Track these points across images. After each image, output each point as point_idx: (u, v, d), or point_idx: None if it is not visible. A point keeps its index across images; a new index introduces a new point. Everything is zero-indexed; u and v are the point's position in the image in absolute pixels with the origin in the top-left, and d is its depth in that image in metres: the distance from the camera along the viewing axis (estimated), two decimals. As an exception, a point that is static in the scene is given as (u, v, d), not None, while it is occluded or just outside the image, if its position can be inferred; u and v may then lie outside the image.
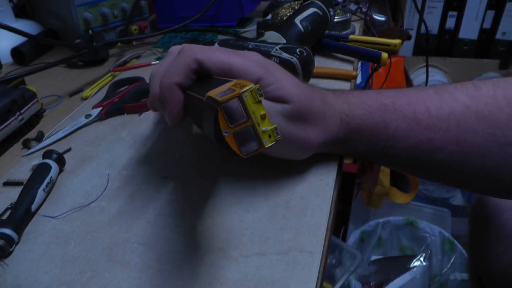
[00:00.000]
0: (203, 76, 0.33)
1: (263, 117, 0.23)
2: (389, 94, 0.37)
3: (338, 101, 0.37)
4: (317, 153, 0.38)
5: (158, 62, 0.67)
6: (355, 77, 0.58)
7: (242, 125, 0.23)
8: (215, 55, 0.32)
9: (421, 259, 1.19)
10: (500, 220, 0.59)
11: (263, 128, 0.23)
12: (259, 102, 0.23)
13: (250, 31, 0.81)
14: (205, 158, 0.42)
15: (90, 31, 0.71)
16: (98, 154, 0.45)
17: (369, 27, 0.86)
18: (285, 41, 0.54)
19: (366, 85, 0.99)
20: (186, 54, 0.32)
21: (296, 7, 0.72)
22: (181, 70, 0.32)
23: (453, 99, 0.35)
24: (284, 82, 0.33)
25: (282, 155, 0.37)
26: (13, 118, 0.47)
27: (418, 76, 1.76)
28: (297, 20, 0.56)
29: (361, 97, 0.37)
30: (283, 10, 0.73)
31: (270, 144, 0.24)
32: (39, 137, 0.48)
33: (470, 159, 0.34)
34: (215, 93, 0.24)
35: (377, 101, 0.36)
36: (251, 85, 0.23)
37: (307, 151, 0.37)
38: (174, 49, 0.35)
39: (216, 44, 0.52)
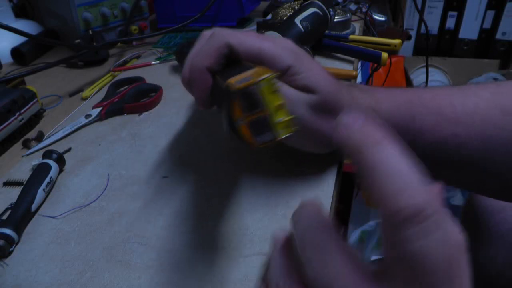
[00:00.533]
0: (233, 60, 0.32)
1: (279, 107, 0.23)
2: (414, 91, 0.37)
3: (363, 96, 0.37)
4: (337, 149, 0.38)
5: (158, 62, 0.67)
6: (355, 77, 0.58)
7: (257, 114, 0.23)
8: (247, 39, 0.32)
9: (421, 259, 1.19)
10: (490, 222, 0.59)
11: (279, 119, 0.23)
12: (276, 91, 0.23)
13: (250, 31, 0.81)
14: (205, 158, 0.42)
15: (90, 31, 0.71)
16: (98, 154, 0.45)
17: (369, 27, 0.86)
18: (285, 41, 0.54)
19: (366, 85, 0.99)
20: (216, 38, 0.32)
21: (296, 7, 0.72)
22: (211, 54, 0.31)
23: (477, 95, 0.35)
24: (314, 72, 0.33)
25: (302, 146, 0.37)
26: (13, 118, 0.47)
27: (418, 76, 1.76)
28: (297, 20, 0.56)
29: (386, 92, 0.37)
30: (283, 10, 0.73)
31: (284, 135, 0.23)
32: (39, 137, 0.48)
33: (496, 155, 0.34)
34: (235, 80, 0.24)
35: (402, 96, 0.36)
36: (268, 74, 0.23)
37: (327, 145, 0.36)
38: (206, 32, 0.35)
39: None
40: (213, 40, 0.32)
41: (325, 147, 0.37)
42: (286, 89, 0.32)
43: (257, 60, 0.32)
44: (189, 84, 0.34)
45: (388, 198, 0.15)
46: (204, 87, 0.32)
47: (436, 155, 0.36)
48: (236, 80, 0.23)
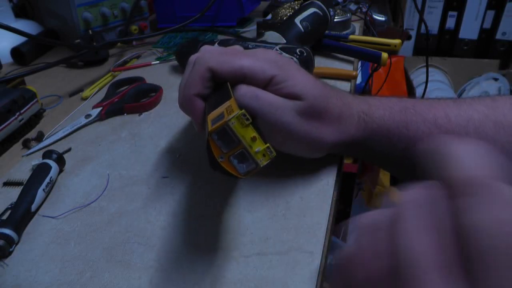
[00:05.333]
0: (220, 82, 0.33)
1: (253, 139, 0.25)
2: (409, 100, 0.37)
3: (357, 101, 0.37)
4: (331, 153, 0.38)
5: (158, 62, 0.67)
6: (355, 77, 0.58)
7: (234, 149, 0.25)
8: (227, 60, 0.33)
9: (421, 259, 1.19)
10: None
11: (256, 149, 0.25)
12: (247, 125, 0.24)
13: (250, 31, 0.81)
14: (205, 158, 0.42)
15: (90, 31, 0.71)
16: (98, 154, 0.45)
17: (369, 27, 0.86)
18: (285, 41, 0.54)
19: (366, 85, 0.99)
20: (199, 64, 0.33)
21: (296, 7, 0.72)
22: (197, 81, 0.33)
23: (471, 108, 0.35)
24: (299, 79, 0.34)
25: (293, 152, 0.37)
26: (13, 118, 0.47)
27: (418, 76, 1.76)
28: (297, 20, 0.56)
29: (381, 99, 0.37)
30: (283, 10, 0.73)
31: (265, 163, 0.25)
32: (39, 137, 0.48)
33: None
34: (212, 117, 0.26)
35: (397, 104, 0.36)
36: (236, 112, 0.24)
37: (319, 150, 0.37)
38: (192, 58, 0.36)
39: (216, 44, 0.52)
40: (196, 67, 0.33)
41: (316, 152, 0.37)
42: (273, 98, 0.33)
43: (241, 77, 0.33)
44: (184, 111, 0.35)
45: (449, 173, 0.16)
46: (197, 113, 0.33)
47: None
48: (212, 119, 0.26)
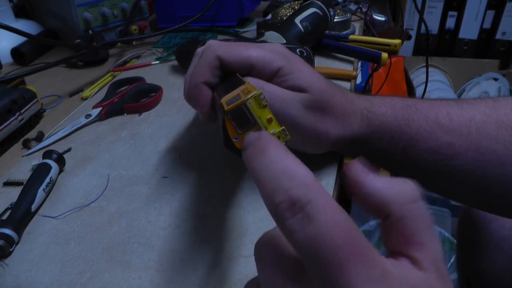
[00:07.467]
0: (228, 72, 0.33)
1: (269, 120, 0.24)
2: (411, 99, 0.38)
3: (360, 99, 0.37)
4: (333, 151, 0.38)
5: (158, 62, 0.67)
6: (355, 77, 0.58)
7: (250, 130, 0.25)
8: (235, 49, 0.33)
9: (421, 259, 1.19)
10: (488, 230, 0.59)
11: (271, 131, 0.24)
12: (265, 106, 0.24)
13: (250, 31, 0.81)
14: (205, 158, 0.42)
15: (90, 31, 0.71)
16: (98, 154, 0.45)
17: (369, 27, 0.86)
18: (285, 41, 0.54)
19: (366, 85, 0.99)
20: (207, 53, 0.33)
21: (296, 7, 0.72)
22: (205, 69, 0.33)
23: (473, 108, 0.35)
24: (305, 72, 0.34)
25: (297, 147, 0.37)
26: (13, 118, 0.47)
27: (418, 76, 1.76)
28: (297, 20, 0.56)
29: (383, 98, 0.38)
30: (283, 10, 0.73)
31: None
32: (39, 137, 0.48)
33: (490, 167, 0.34)
34: (226, 99, 0.26)
35: (399, 102, 0.37)
36: (254, 92, 0.24)
37: (322, 145, 0.37)
38: (199, 49, 0.36)
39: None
40: (204, 55, 0.33)
41: (318, 147, 0.37)
42: (278, 90, 0.33)
43: (248, 67, 0.33)
44: (190, 101, 0.35)
45: (267, 197, 0.16)
46: (204, 102, 0.33)
47: (430, 163, 0.36)
48: (227, 101, 0.26)
